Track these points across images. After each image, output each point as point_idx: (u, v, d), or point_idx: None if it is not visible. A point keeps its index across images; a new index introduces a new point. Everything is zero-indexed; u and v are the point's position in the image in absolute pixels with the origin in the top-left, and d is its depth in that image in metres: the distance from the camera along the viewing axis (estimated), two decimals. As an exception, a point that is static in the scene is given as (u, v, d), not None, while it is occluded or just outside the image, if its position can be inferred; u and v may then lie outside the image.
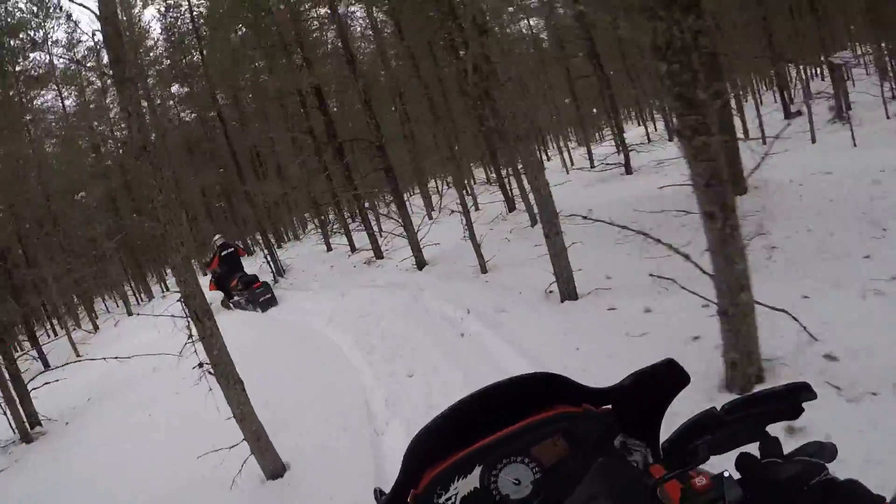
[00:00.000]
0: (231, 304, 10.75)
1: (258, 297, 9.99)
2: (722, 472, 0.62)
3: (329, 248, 14.93)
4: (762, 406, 0.68)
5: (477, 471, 0.80)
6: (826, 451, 0.61)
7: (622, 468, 0.74)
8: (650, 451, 0.81)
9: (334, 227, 15.60)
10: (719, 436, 0.68)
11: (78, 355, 10.52)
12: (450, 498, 0.80)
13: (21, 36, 14.81)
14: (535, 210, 6.15)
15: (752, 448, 0.66)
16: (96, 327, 15.66)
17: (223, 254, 11.07)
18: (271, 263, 13.15)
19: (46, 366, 9.97)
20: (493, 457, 0.81)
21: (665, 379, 0.81)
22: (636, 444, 0.80)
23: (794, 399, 0.67)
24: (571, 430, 0.82)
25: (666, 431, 0.78)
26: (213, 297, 10.58)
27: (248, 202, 15.69)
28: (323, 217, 16.23)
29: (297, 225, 25.49)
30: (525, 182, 9.26)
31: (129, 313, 16.04)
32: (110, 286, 20.08)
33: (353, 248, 13.11)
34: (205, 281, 9.82)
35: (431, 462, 0.84)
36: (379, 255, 11.02)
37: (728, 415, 0.67)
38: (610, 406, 0.85)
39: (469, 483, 0.80)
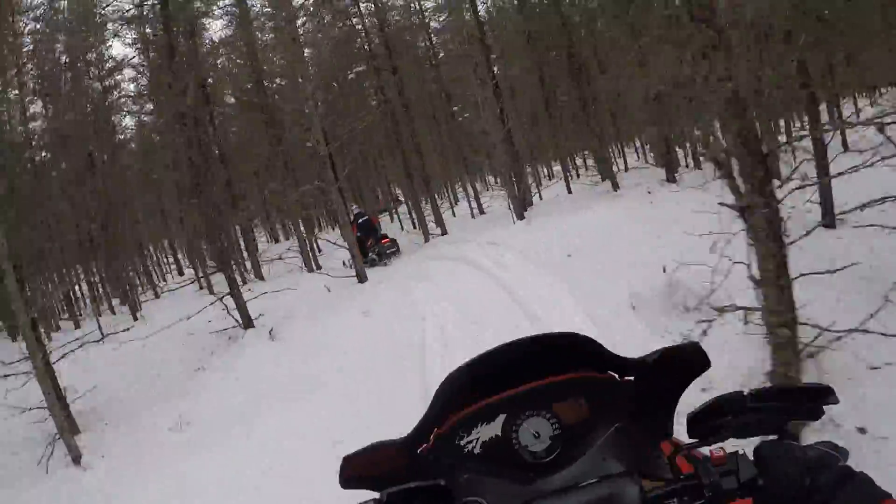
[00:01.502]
0: (366, 262, 12.13)
1: (385, 249, 12.18)
2: (737, 450, 0.66)
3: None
4: (787, 400, 0.70)
5: (500, 419, 0.83)
6: (840, 452, 0.64)
7: (638, 435, 0.77)
8: (660, 427, 0.85)
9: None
10: (741, 420, 0.70)
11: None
12: (471, 441, 0.83)
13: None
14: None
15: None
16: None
17: (359, 221, 12.92)
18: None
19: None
20: (517, 408, 0.83)
21: (687, 361, 0.84)
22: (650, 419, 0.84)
23: (817, 400, 0.69)
24: (594, 395, 0.85)
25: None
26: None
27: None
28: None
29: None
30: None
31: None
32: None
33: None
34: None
35: (458, 405, 0.86)
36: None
37: (753, 401, 0.69)
38: (632, 378, 0.88)
39: (491, 429, 0.83)
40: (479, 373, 0.87)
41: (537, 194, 15.98)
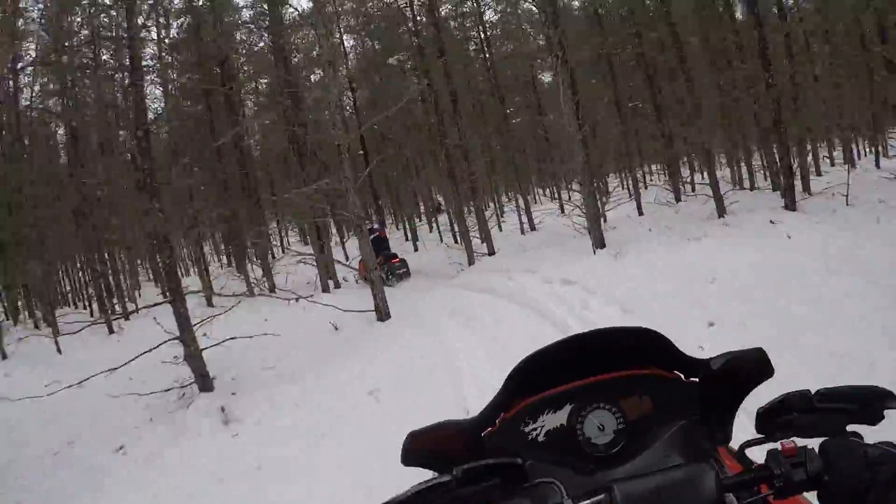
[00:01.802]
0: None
1: (395, 269, 11.58)
2: (805, 445, 0.66)
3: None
4: (850, 402, 0.69)
5: (567, 409, 0.83)
6: None
7: (699, 436, 0.79)
8: (720, 431, 0.84)
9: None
10: (807, 419, 0.70)
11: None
12: (535, 429, 0.83)
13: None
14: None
15: None
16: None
17: (371, 236, 12.08)
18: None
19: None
20: (584, 399, 0.83)
21: (753, 367, 0.83)
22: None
23: (879, 404, 0.68)
24: (659, 392, 0.83)
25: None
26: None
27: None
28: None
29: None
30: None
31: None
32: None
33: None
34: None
35: (526, 392, 0.86)
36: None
37: (820, 401, 0.69)
38: (697, 380, 0.87)
39: (557, 419, 0.82)
40: (550, 361, 0.87)
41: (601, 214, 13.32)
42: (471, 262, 10.97)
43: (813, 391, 0.70)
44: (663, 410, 0.83)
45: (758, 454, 0.70)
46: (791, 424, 0.71)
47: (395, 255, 12.28)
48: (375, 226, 13.67)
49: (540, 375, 0.87)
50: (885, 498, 0.60)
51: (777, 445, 0.67)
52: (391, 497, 0.63)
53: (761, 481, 0.66)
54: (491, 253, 11.34)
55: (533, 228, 15.59)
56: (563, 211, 17.71)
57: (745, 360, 0.83)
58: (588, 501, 0.63)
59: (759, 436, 0.73)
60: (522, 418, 0.85)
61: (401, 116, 15.16)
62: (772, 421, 0.72)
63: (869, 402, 0.68)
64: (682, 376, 0.89)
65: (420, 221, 23.36)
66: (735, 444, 0.77)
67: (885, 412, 0.68)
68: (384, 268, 11.57)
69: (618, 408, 0.83)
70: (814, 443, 0.67)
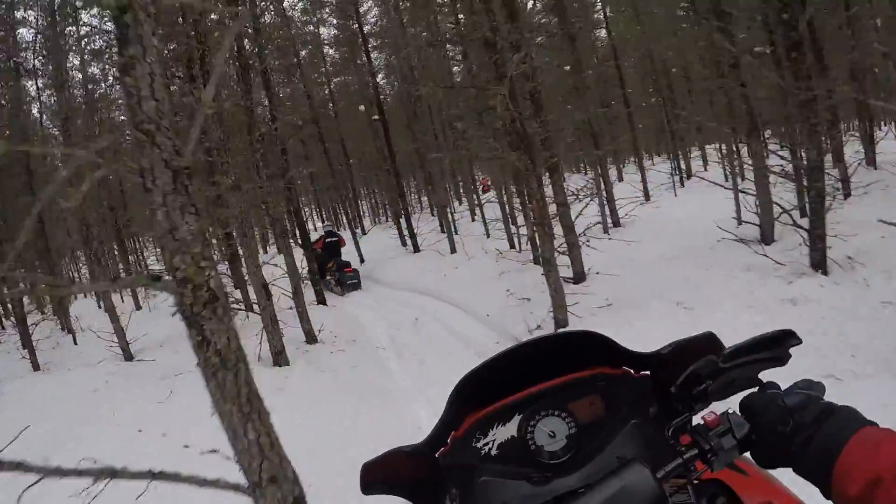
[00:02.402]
0: (323, 285, 11.15)
1: (346, 279, 11.49)
2: (727, 410, 0.70)
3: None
4: (756, 353, 0.72)
5: (516, 420, 0.84)
6: (816, 388, 0.67)
7: (653, 430, 0.79)
8: (683, 421, 0.81)
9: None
10: (719, 382, 0.73)
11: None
12: (487, 443, 0.83)
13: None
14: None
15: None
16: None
17: (328, 240, 12.45)
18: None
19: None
20: (532, 408, 0.84)
21: (703, 350, 0.81)
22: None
23: (783, 345, 0.72)
24: (609, 391, 0.85)
25: None
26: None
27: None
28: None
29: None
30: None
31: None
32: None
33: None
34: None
35: (473, 407, 0.86)
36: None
37: (725, 362, 0.71)
38: (648, 372, 0.88)
39: (507, 431, 0.83)
40: (495, 373, 0.86)
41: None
42: (558, 304, 5.71)
43: (716, 357, 0.72)
44: (615, 409, 0.83)
45: None
46: (706, 393, 0.72)
47: (349, 265, 11.97)
48: (331, 229, 13.40)
49: (485, 389, 0.85)
50: (811, 439, 0.61)
51: (699, 420, 0.70)
52: None
53: (694, 460, 0.67)
54: (578, 279, 6.85)
55: (617, 224, 11.08)
56: (647, 198, 13.75)
57: (693, 344, 0.84)
58: None
59: (684, 414, 0.73)
60: (473, 434, 0.84)
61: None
62: (688, 395, 0.74)
63: (773, 347, 0.71)
64: (632, 371, 0.89)
65: (460, 206, 19.00)
66: None
67: (791, 350, 0.72)
68: (336, 276, 11.66)
69: (567, 412, 0.83)
70: (734, 401, 0.70)
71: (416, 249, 13.83)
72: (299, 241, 11.41)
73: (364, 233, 20.06)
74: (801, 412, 0.64)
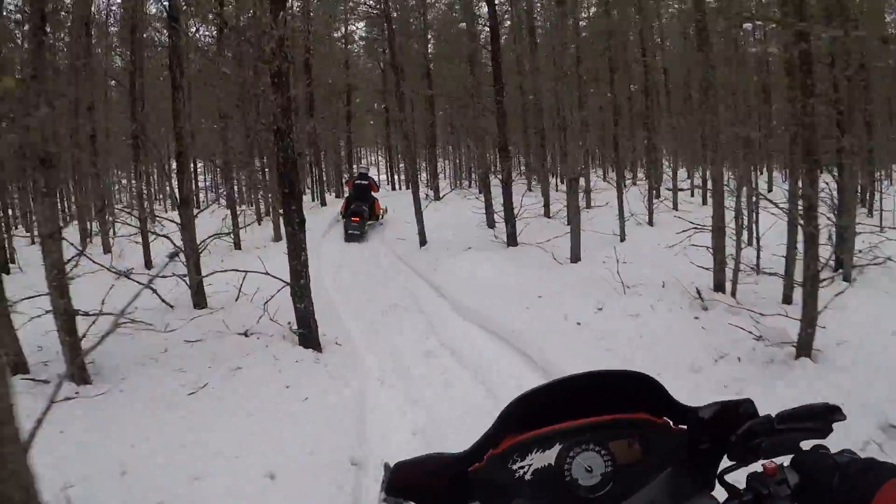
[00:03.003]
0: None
1: (348, 227, 11.02)
2: (782, 463, 0.74)
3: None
4: (805, 420, 0.76)
5: (556, 448, 0.82)
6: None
7: (686, 483, 0.80)
8: (704, 479, 0.84)
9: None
10: (771, 440, 0.76)
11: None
12: (523, 467, 0.82)
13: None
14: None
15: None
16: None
17: (357, 182, 12.09)
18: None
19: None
20: (573, 440, 0.83)
21: (741, 416, 0.83)
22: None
23: (828, 418, 0.76)
24: (647, 438, 0.84)
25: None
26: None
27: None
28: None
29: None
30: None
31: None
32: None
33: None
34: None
35: (517, 429, 0.86)
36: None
37: (780, 423, 0.76)
38: (685, 427, 0.88)
39: (545, 458, 0.82)
40: (544, 400, 0.87)
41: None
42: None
43: (773, 415, 0.77)
44: (652, 456, 0.83)
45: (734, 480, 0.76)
46: (759, 448, 0.77)
47: (359, 214, 11.12)
48: (365, 171, 12.79)
49: (532, 414, 0.86)
50: (854, 488, 0.66)
51: (757, 467, 0.75)
52: None
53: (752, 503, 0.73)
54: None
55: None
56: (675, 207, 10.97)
57: (734, 408, 0.84)
58: None
59: (732, 463, 0.79)
60: (511, 455, 0.83)
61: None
62: (742, 447, 0.78)
63: (819, 418, 0.75)
64: (671, 423, 0.88)
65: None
66: None
67: (834, 425, 0.76)
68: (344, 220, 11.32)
69: (607, 450, 0.82)
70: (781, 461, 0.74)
71: (513, 242, 8.65)
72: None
73: (437, 197, 15.10)
74: (848, 467, 0.68)
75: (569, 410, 0.85)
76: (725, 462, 0.81)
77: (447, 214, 12.07)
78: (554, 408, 0.86)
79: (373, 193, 12.07)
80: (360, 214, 11.12)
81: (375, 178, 13.52)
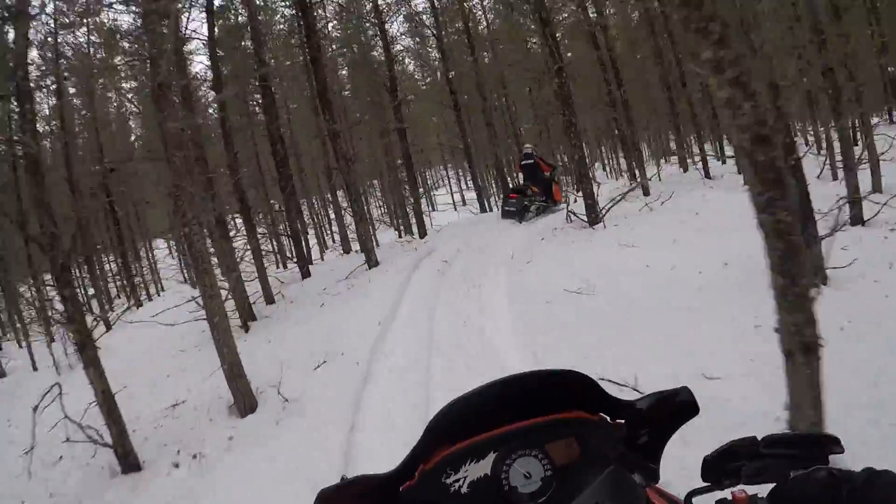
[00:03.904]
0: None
1: (505, 204, 11.01)
2: (756, 494, 0.66)
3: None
4: (796, 448, 0.68)
5: (490, 458, 0.79)
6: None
7: (629, 480, 0.72)
8: (647, 473, 0.82)
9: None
10: (753, 465, 0.69)
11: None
12: (458, 480, 0.78)
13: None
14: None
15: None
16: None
17: (522, 162, 11.70)
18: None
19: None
20: (508, 446, 0.79)
21: (678, 406, 0.81)
22: (639, 463, 0.82)
23: (824, 449, 0.67)
24: (585, 437, 0.81)
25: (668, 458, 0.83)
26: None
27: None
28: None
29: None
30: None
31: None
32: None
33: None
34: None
35: (447, 441, 0.81)
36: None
37: (766, 447, 0.68)
38: (623, 421, 0.85)
39: (480, 468, 0.78)
40: (472, 408, 0.81)
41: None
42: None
43: (759, 437, 0.69)
44: (591, 454, 0.80)
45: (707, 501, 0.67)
46: (738, 472, 0.69)
47: (518, 191, 10.83)
48: (530, 151, 11.81)
49: (462, 423, 0.81)
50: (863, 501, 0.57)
51: (727, 494, 0.67)
52: None
53: None
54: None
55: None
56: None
57: (671, 399, 0.81)
58: None
59: (706, 484, 0.71)
60: (444, 469, 0.78)
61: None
62: (719, 468, 0.70)
63: (814, 447, 0.67)
64: (608, 418, 0.86)
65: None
66: (681, 492, 0.72)
67: (830, 457, 0.67)
68: (528, 198, 10.60)
69: (544, 454, 0.79)
70: (761, 489, 0.66)
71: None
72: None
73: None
74: (850, 479, 0.57)
75: (500, 416, 0.82)
76: (699, 481, 0.71)
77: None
78: (485, 415, 0.82)
79: (544, 173, 11.28)
80: (521, 192, 10.74)
81: (543, 156, 12.71)
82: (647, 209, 8.31)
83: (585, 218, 8.17)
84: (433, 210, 22.04)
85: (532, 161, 11.34)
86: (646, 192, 9.73)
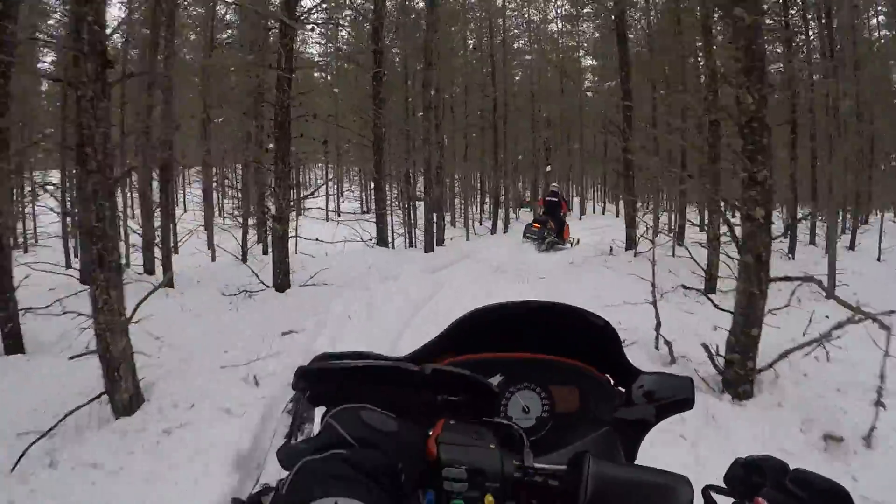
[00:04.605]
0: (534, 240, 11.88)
1: (525, 231, 12.12)
2: None
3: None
4: (817, 496, 0.62)
5: (496, 379, 0.78)
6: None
7: (615, 446, 0.77)
8: (628, 450, 0.83)
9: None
10: (773, 494, 0.65)
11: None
12: None
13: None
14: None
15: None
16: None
17: (547, 199, 12.82)
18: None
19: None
20: (515, 374, 0.79)
21: (679, 393, 0.81)
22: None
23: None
24: (587, 391, 0.82)
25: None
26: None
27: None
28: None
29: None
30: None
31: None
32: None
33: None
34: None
35: (454, 349, 0.81)
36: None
37: (792, 482, 0.64)
38: (623, 390, 0.85)
39: None
40: (492, 323, 0.81)
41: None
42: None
43: (791, 467, 0.66)
44: (587, 411, 0.80)
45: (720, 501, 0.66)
46: (758, 489, 0.66)
47: (541, 222, 11.76)
48: (556, 189, 13.53)
49: (475, 336, 0.81)
50: None
51: None
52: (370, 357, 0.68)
53: None
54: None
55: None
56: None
57: (674, 386, 0.80)
58: (551, 468, 0.63)
59: (723, 486, 0.69)
60: None
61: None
62: (743, 478, 0.67)
63: (833, 500, 0.64)
64: (612, 381, 0.85)
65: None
66: (696, 484, 0.68)
67: None
68: (547, 231, 11.62)
69: (547, 394, 0.80)
70: None
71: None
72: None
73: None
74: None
75: (514, 341, 0.83)
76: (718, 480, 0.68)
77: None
78: (499, 334, 0.83)
79: (562, 214, 12.41)
80: (543, 223, 11.87)
81: (567, 198, 14.16)
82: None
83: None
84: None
85: (556, 199, 12.57)
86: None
